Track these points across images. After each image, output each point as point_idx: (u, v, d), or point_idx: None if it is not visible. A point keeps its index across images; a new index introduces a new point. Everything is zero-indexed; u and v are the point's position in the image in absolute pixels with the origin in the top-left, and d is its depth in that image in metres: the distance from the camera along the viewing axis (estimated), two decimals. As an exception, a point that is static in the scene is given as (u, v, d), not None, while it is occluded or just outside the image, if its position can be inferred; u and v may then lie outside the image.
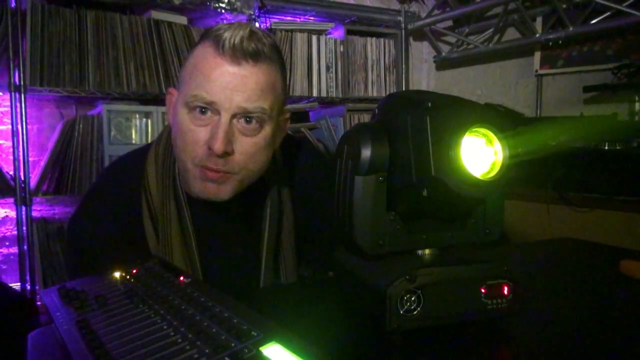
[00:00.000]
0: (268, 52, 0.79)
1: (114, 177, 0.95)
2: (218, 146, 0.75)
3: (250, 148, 0.80)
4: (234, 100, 0.76)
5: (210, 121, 0.78)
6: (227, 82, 0.76)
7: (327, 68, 2.53)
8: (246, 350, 0.41)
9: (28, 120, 1.88)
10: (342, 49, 2.56)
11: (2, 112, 2.03)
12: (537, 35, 2.32)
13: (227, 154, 0.77)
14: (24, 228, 1.89)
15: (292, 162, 0.99)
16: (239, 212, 0.92)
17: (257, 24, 2.30)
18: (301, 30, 2.47)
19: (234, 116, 0.77)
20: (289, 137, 0.94)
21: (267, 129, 0.81)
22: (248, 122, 0.79)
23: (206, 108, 0.78)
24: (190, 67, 0.80)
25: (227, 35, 0.76)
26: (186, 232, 0.87)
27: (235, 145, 0.78)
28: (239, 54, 0.76)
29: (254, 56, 0.77)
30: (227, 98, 0.76)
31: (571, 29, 2.17)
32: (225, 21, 2.36)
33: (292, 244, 0.95)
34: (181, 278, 0.60)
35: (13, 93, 1.83)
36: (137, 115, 2.01)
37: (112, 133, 1.96)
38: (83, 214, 0.93)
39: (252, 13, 2.23)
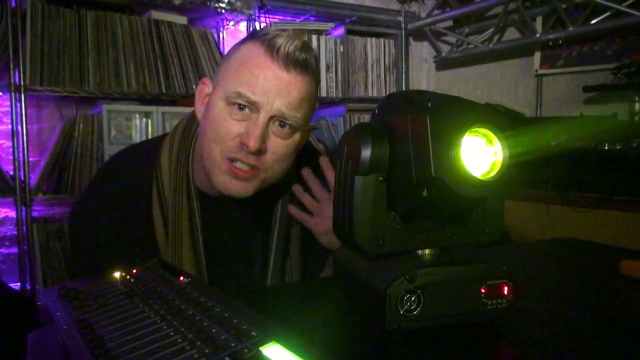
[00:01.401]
0: (314, 65, 0.84)
1: (124, 163, 0.95)
2: (253, 144, 0.78)
3: (281, 149, 0.83)
4: (275, 103, 0.79)
5: (247, 118, 0.80)
6: (273, 85, 0.79)
7: (327, 68, 2.52)
8: (246, 350, 0.41)
9: (28, 120, 1.88)
10: (342, 49, 2.56)
11: (2, 112, 2.03)
12: (537, 35, 2.32)
13: (259, 151, 0.80)
14: (24, 228, 1.89)
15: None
16: (248, 213, 0.92)
17: (257, 24, 2.29)
18: (301, 30, 2.47)
19: (271, 118, 0.80)
20: (308, 146, 0.95)
21: (297, 136, 0.84)
22: (282, 126, 0.82)
23: (245, 106, 0.80)
24: (236, 64, 0.82)
25: (282, 41, 0.80)
26: (194, 226, 0.88)
27: (268, 144, 0.81)
28: (290, 61, 0.80)
29: (303, 66, 0.81)
30: (270, 100, 0.79)
31: (571, 29, 2.17)
32: (225, 21, 2.36)
33: (299, 248, 0.95)
34: (181, 278, 0.60)
35: (13, 93, 1.83)
36: (137, 115, 2.01)
37: (112, 133, 1.96)
38: (89, 198, 0.93)
39: (252, 13, 2.22)
